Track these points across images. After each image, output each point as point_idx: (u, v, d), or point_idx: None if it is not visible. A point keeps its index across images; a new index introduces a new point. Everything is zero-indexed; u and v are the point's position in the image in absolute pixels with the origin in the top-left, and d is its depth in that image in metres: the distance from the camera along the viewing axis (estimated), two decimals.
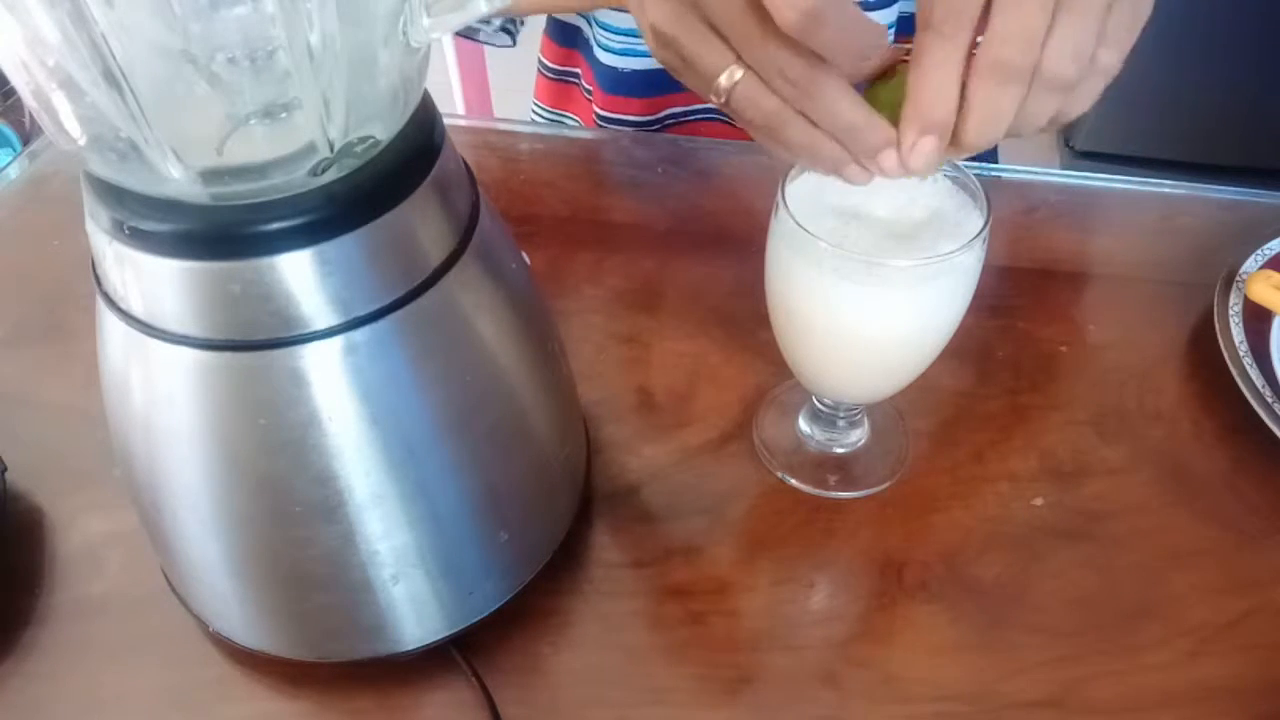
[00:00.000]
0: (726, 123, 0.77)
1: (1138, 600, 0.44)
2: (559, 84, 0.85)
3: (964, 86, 0.32)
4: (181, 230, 0.29)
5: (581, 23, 0.79)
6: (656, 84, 0.75)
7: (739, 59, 0.34)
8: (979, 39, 0.32)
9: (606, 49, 0.75)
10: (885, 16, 0.69)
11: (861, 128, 0.34)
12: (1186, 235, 0.63)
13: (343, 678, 0.41)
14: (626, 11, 0.72)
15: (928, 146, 0.33)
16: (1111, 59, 0.33)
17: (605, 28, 0.74)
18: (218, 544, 0.36)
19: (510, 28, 0.75)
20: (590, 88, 0.81)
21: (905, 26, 0.70)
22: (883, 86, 0.34)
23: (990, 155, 0.84)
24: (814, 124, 0.34)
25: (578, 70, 0.82)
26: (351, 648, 0.39)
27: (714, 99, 0.35)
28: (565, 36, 0.82)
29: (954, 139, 0.34)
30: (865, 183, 0.36)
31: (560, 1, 0.71)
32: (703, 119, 0.78)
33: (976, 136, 0.33)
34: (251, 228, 0.29)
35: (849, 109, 0.33)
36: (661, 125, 0.78)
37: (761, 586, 0.44)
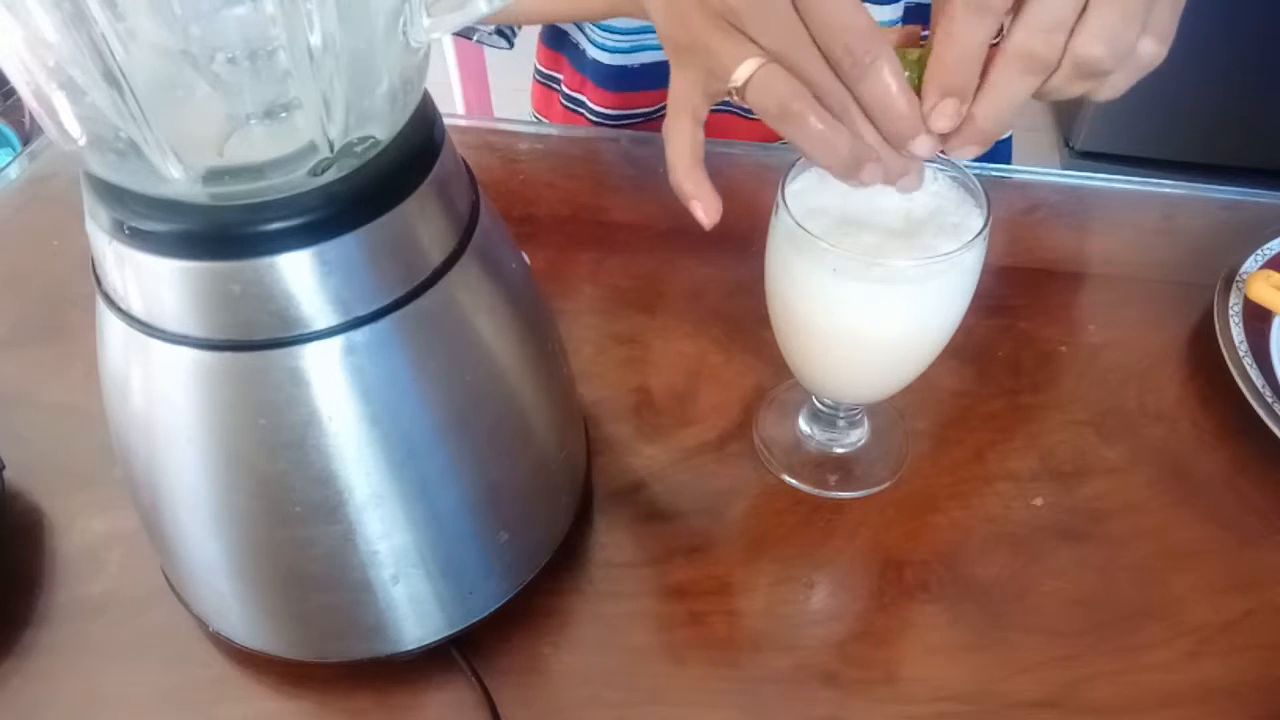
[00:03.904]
0: (731, 113, 0.77)
1: (1138, 600, 0.44)
2: (546, 88, 0.86)
3: (985, 66, 0.33)
4: (181, 230, 0.29)
5: (569, 27, 0.79)
6: (663, 75, 0.75)
7: (759, 47, 0.34)
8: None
9: (612, 49, 0.75)
10: (893, 11, 0.69)
11: (905, 107, 0.34)
12: (1186, 235, 0.63)
13: (343, 678, 0.41)
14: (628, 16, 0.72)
15: (949, 109, 0.33)
16: (1153, 48, 0.33)
17: (608, 29, 0.74)
18: (218, 544, 0.36)
19: (506, 31, 0.76)
20: (574, 93, 0.81)
21: (913, 18, 0.70)
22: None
23: (1005, 156, 0.83)
24: (835, 111, 0.34)
25: (560, 75, 0.83)
26: (351, 648, 0.39)
27: (733, 97, 0.36)
28: (555, 41, 0.83)
29: (967, 122, 0.34)
30: (869, 183, 0.36)
31: (562, 11, 0.71)
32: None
33: (988, 120, 0.34)
34: (251, 228, 0.29)
35: (899, 86, 0.34)
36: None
37: (761, 586, 0.44)
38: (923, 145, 0.35)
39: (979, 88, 0.34)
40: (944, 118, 0.34)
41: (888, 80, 0.33)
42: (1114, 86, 0.35)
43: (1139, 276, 0.60)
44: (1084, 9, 0.32)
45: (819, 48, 0.34)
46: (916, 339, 0.42)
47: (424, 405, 0.34)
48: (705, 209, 0.41)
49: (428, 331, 0.33)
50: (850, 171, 0.35)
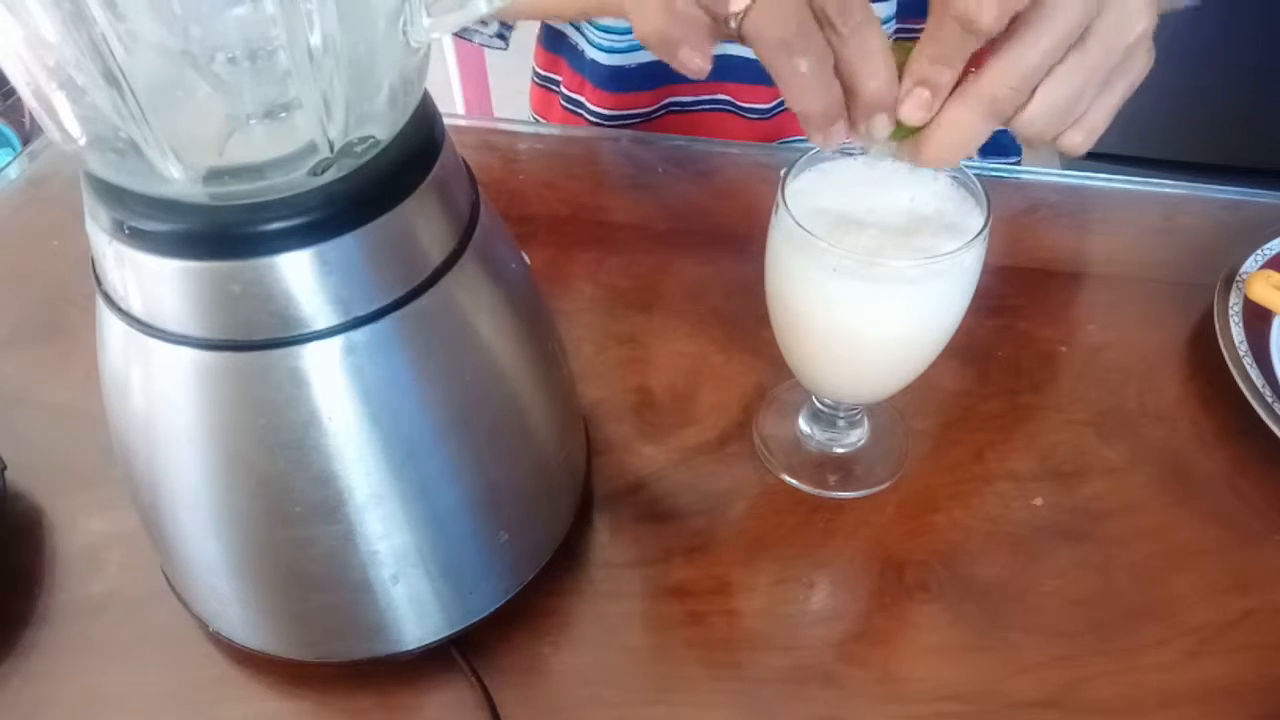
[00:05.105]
0: (729, 111, 0.77)
1: (1138, 600, 0.44)
2: (545, 90, 0.86)
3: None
4: (181, 230, 0.29)
5: (567, 28, 0.80)
6: (661, 75, 0.76)
7: None
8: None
9: (610, 50, 0.75)
10: (886, 8, 0.69)
11: (884, 74, 0.34)
12: (1186, 235, 0.63)
13: (343, 678, 0.41)
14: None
15: (923, 97, 0.34)
16: (1078, 140, 0.36)
17: (605, 29, 0.74)
18: (218, 544, 0.36)
19: (504, 32, 0.76)
20: (573, 94, 0.81)
21: (905, 9, 0.70)
22: None
23: (1015, 148, 0.83)
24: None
25: (559, 77, 0.83)
26: (351, 648, 0.39)
27: (728, 24, 0.35)
28: (553, 42, 0.83)
29: (917, 149, 0.36)
30: (825, 143, 0.36)
31: (557, 8, 0.71)
32: (706, 110, 0.78)
33: (937, 151, 0.35)
34: (251, 228, 0.29)
35: (883, 54, 0.34)
36: (667, 110, 0.78)
37: (761, 586, 0.44)
38: (881, 124, 0.35)
39: (936, 117, 0.35)
40: (916, 103, 0.34)
41: (874, 45, 0.34)
42: (1037, 146, 0.37)
43: (1139, 276, 0.60)
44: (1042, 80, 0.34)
45: (811, 5, 0.34)
46: (916, 339, 0.42)
47: (424, 405, 0.34)
48: (699, 52, 0.37)
49: (428, 331, 0.33)
50: (821, 125, 0.36)
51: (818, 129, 0.36)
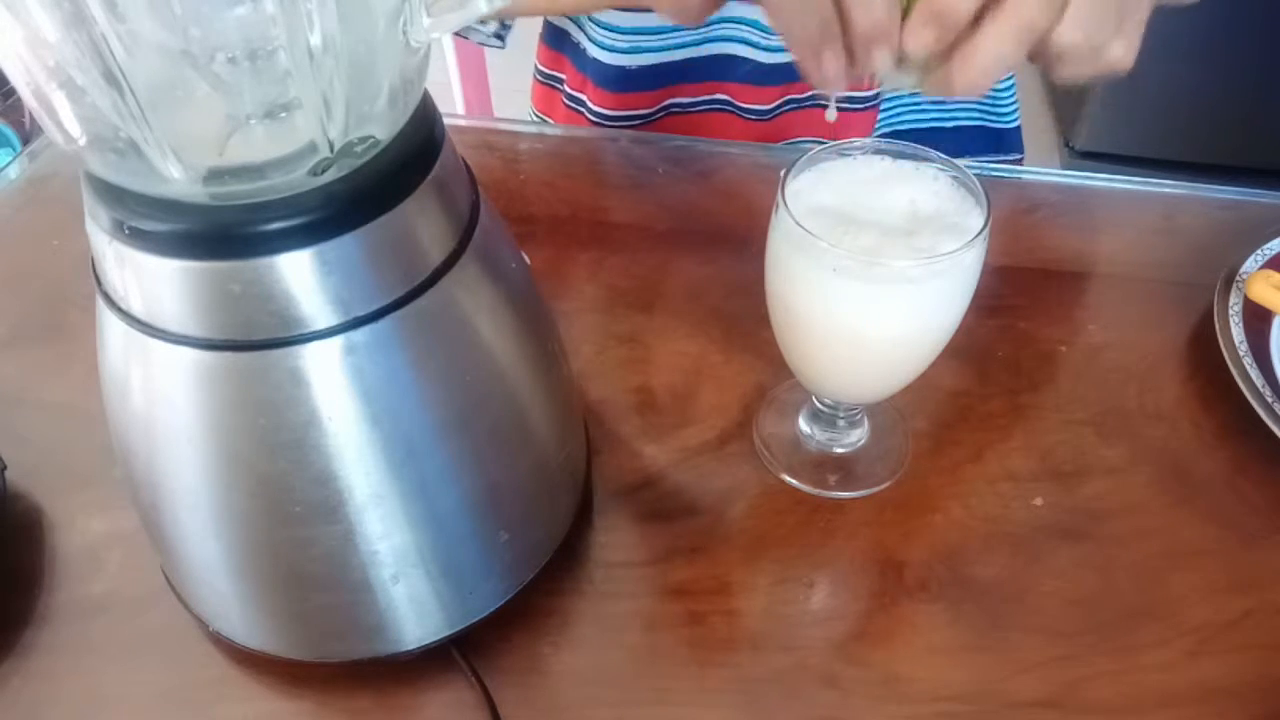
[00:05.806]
0: (729, 111, 0.77)
1: (1138, 600, 0.44)
2: (548, 88, 0.86)
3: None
4: (181, 230, 0.29)
5: (570, 26, 0.80)
6: (662, 76, 0.76)
7: None
8: None
9: (611, 49, 0.75)
10: None
11: (881, 4, 0.33)
12: (1186, 235, 0.63)
13: (343, 678, 0.41)
14: (629, 9, 0.72)
15: (930, 34, 0.34)
16: (1122, 51, 0.35)
17: (608, 28, 0.74)
18: (218, 544, 0.36)
19: (501, 31, 0.76)
20: (576, 92, 0.81)
21: None
22: None
23: (1016, 146, 0.83)
24: None
25: (563, 75, 0.83)
26: (351, 648, 0.39)
27: None
28: (556, 40, 0.83)
29: (949, 78, 0.35)
30: (823, 80, 0.36)
31: (559, 4, 0.71)
32: (706, 110, 0.78)
33: (976, 77, 0.34)
34: (251, 228, 0.29)
35: None
36: (666, 112, 0.78)
37: (761, 586, 0.44)
38: (883, 57, 0.35)
39: (968, 41, 0.34)
40: (921, 38, 0.34)
41: None
42: (1075, 73, 0.36)
43: (1139, 276, 0.60)
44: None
45: None
46: (916, 339, 0.42)
47: (424, 405, 0.34)
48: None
49: (428, 331, 0.33)
50: (812, 53, 0.35)
51: (806, 59, 0.35)
